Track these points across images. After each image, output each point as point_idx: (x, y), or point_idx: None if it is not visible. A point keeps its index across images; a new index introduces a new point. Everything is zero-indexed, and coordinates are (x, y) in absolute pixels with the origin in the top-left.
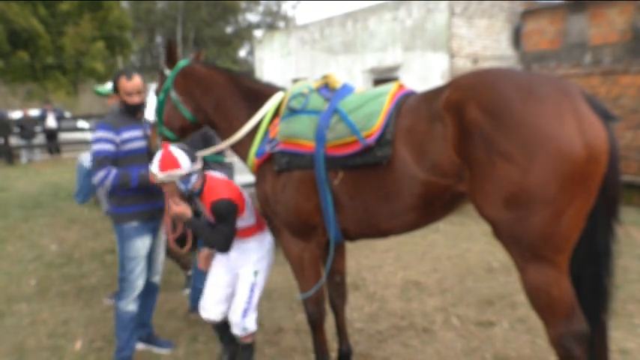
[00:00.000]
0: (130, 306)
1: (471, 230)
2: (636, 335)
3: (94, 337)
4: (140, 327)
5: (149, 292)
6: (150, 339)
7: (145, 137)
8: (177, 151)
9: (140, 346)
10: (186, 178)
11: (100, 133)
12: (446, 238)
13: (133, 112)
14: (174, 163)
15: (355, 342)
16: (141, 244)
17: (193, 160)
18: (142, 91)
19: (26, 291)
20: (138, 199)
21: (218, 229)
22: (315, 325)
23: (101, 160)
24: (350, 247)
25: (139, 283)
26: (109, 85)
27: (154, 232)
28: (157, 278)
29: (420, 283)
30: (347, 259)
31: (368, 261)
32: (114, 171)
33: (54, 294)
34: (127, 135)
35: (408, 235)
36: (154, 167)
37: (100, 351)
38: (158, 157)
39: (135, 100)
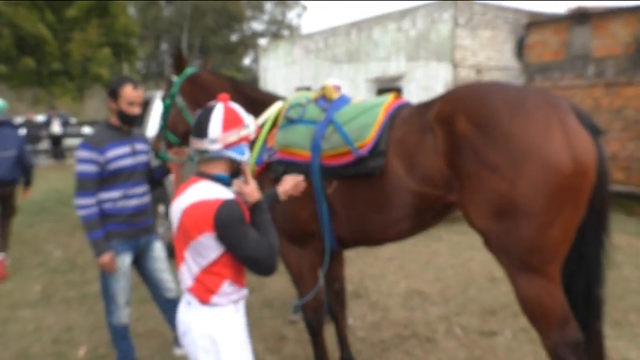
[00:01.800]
0: (121, 319)
1: (473, 239)
2: (638, 345)
3: (98, 343)
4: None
5: (170, 307)
6: None
7: (134, 154)
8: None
9: (181, 352)
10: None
11: (83, 154)
12: (449, 247)
13: (128, 123)
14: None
15: (358, 351)
16: (120, 263)
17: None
18: (142, 103)
19: (31, 297)
20: (122, 218)
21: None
22: (315, 331)
23: (84, 183)
24: (353, 255)
25: (122, 300)
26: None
27: (136, 251)
28: (172, 293)
29: (423, 292)
30: (350, 268)
31: (371, 270)
32: (94, 209)
33: (58, 300)
34: (112, 153)
35: (412, 243)
36: (215, 130)
37: (104, 358)
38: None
39: (135, 110)
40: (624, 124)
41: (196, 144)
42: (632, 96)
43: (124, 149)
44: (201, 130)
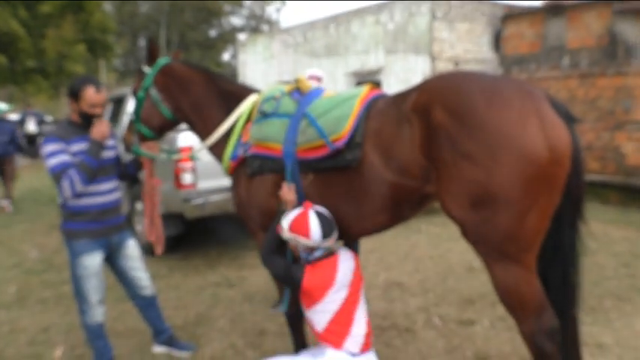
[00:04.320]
0: (95, 318)
1: (452, 231)
2: (612, 330)
3: (75, 343)
4: (158, 334)
5: (146, 305)
6: (170, 341)
7: None
8: (313, 220)
9: (161, 349)
10: (309, 250)
11: (52, 147)
12: (428, 238)
13: (90, 123)
14: (305, 231)
15: None
16: (90, 262)
17: (327, 235)
18: (105, 104)
19: (5, 298)
20: (90, 216)
21: (278, 255)
22: (295, 326)
23: (60, 174)
24: None
25: (95, 299)
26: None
27: (107, 249)
28: (147, 291)
29: (403, 284)
30: None
31: None
32: (71, 172)
33: (34, 301)
34: (77, 147)
35: (391, 236)
36: (286, 220)
37: (81, 358)
38: (295, 213)
39: (97, 112)
40: (599, 114)
41: (334, 238)
42: (606, 87)
43: (86, 145)
44: (307, 232)
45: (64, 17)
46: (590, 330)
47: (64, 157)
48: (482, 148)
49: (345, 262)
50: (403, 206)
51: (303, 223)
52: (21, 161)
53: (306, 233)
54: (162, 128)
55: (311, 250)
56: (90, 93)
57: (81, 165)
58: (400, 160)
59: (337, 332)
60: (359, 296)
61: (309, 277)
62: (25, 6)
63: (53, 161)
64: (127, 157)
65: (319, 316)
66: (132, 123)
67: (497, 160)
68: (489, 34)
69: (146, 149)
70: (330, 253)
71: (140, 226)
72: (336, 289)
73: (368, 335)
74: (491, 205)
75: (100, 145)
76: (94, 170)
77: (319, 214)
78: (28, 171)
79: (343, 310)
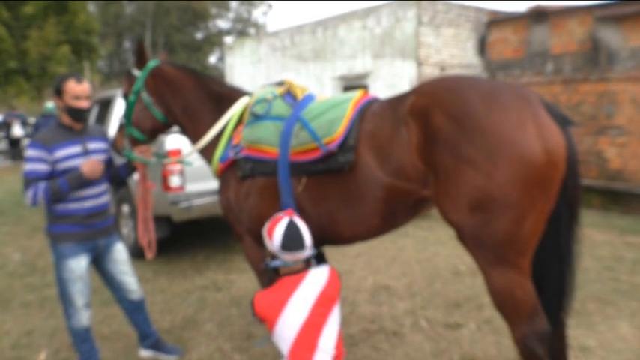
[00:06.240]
0: (81, 322)
1: (439, 234)
2: (596, 332)
3: (60, 347)
4: (144, 338)
5: (133, 308)
6: (156, 345)
7: (86, 154)
8: (281, 227)
9: (147, 353)
10: (271, 256)
11: (32, 152)
12: (415, 242)
13: (78, 118)
14: (269, 233)
15: None
16: (75, 265)
17: (286, 247)
18: (90, 97)
19: None
20: (75, 220)
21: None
22: None
23: (30, 181)
24: None
25: (81, 302)
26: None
27: (93, 252)
28: (135, 295)
29: (390, 287)
30: None
31: (339, 266)
32: (41, 185)
33: (17, 304)
34: (61, 153)
35: (378, 240)
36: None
37: None
38: (277, 215)
39: (83, 104)
40: (581, 119)
41: (299, 256)
42: (589, 92)
43: (74, 149)
44: (300, 244)
45: (47, 18)
46: (574, 333)
47: (39, 167)
48: (481, 152)
49: (311, 285)
50: (397, 210)
51: (272, 226)
52: (2, 163)
53: (269, 236)
54: (155, 131)
55: (272, 256)
56: (71, 85)
57: (53, 185)
58: (395, 163)
59: (302, 358)
60: (325, 319)
61: (260, 302)
62: (6, 6)
63: (28, 167)
64: (118, 160)
65: (281, 342)
66: (123, 127)
67: (496, 164)
68: (474, 40)
69: (138, 153)
70: (295, 272)
71: (126, 229)
72: (290, 312)
73: (338, 358)
74: (489, 209)
75: (83, 181)
76: (62, 196)
77: (291, 226)
78: (10, 173)
79: (303, 334)
